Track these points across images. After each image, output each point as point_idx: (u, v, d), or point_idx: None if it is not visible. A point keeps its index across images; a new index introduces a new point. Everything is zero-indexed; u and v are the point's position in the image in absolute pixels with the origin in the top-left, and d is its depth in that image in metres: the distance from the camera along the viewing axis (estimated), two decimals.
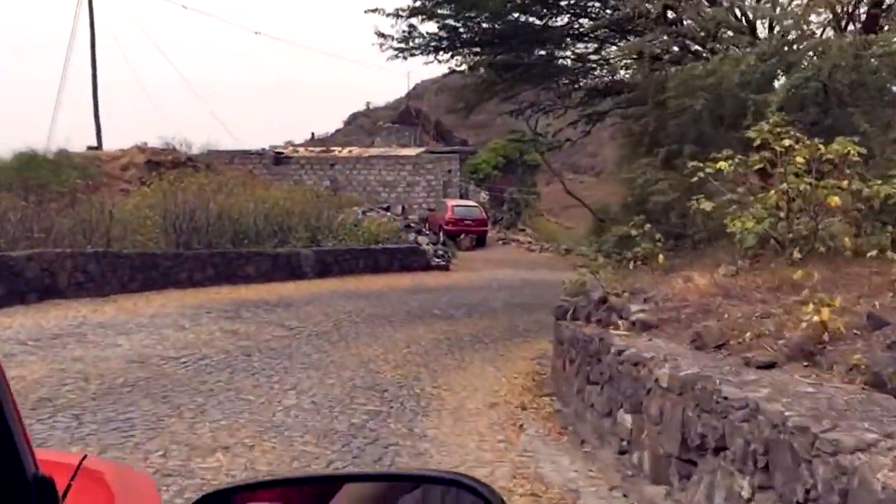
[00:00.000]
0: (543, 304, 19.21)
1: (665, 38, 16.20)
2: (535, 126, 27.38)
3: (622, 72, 19.91)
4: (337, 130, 67.07)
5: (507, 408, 8.04)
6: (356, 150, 41.52)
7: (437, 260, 24.24)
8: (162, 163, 30.54)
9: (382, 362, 10.40)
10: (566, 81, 19.36)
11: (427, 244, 24.87)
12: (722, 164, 7.19)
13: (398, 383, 9.05)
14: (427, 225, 32.21)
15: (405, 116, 56.29)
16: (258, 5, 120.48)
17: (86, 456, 1.61)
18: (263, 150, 40.64)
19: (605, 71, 19.30)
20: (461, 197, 37.68)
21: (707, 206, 7.43)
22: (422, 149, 41.66)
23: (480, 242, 32.43)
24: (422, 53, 18.14)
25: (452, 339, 13.12)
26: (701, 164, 7.70)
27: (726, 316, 5.54)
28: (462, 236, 31.18)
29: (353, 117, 69.61)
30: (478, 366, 10.82)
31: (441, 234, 30.41)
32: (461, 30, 17.38)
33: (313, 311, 14.84)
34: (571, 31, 18.15)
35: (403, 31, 17.36)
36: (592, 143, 61.59)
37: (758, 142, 7.03)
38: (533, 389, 9.13)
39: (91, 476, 1.51)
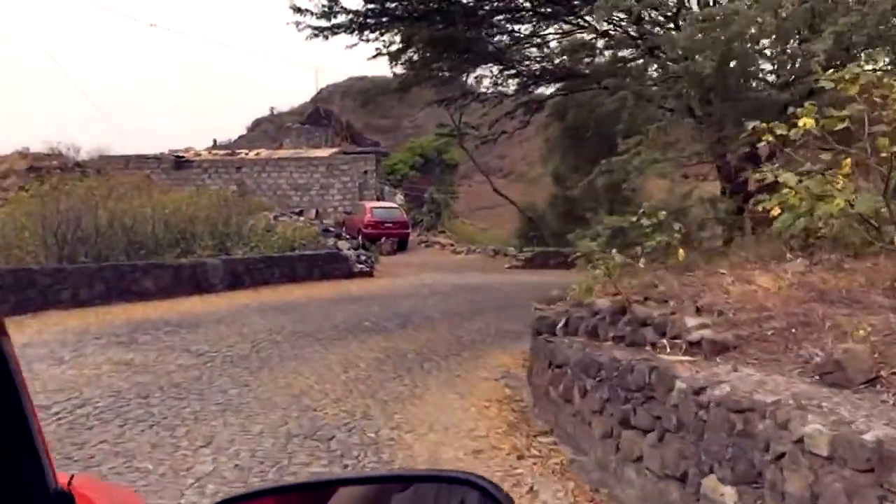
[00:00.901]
0: (482, 310, 17.58)
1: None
2: (460, 119, 25.65)
3: (560, 58, 18.31)
4: (240, 137, 63.91)
5: (497, 457, 6.15)
6: (264, 153, 38.96)
7: (360, 266, 22.19)
8: (46, 169, 27.41)
9: (319, 394, 8.36)
10: (502, 66, 17.62)
11: (348, 249, 22.80)
12: (806, 122, 5.39)
13: (345, 425, 7.04)
14: (344, 229, 30.05)
15: (314, 118, 53.85)
16: None
17: (74, 475, 1.48)
18: (162, 154, 37.64)
19: (542, 55, 17.65)
20: (378, 199, 35.66)
21: (790, 179, 5.55)
22: (335, 149, 39.40)
23: (402, 246, 30.50)
24: (345, 32, 16.00)
25: (394, 357, 11.16)
26: (765, 126, 5.84)
27: (849, 332, 3.82)
28: (383, 240, 29.17)
29: (257, 123, 66.63)
30: (435, 392, 8.90)
31: (360, 238, 28.37)
32: (390, 4, 15.31)
33: (226, 330, 12.63)
34: (508, 8, 16.38)
35: (323, 6, 15.20)
36: (501, 144, 61.06)
37: (854, 90, 5.28)
38: (520, 425, 7.26)
39: (80, 496, 1.44)
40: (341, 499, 1.48)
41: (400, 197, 38.69)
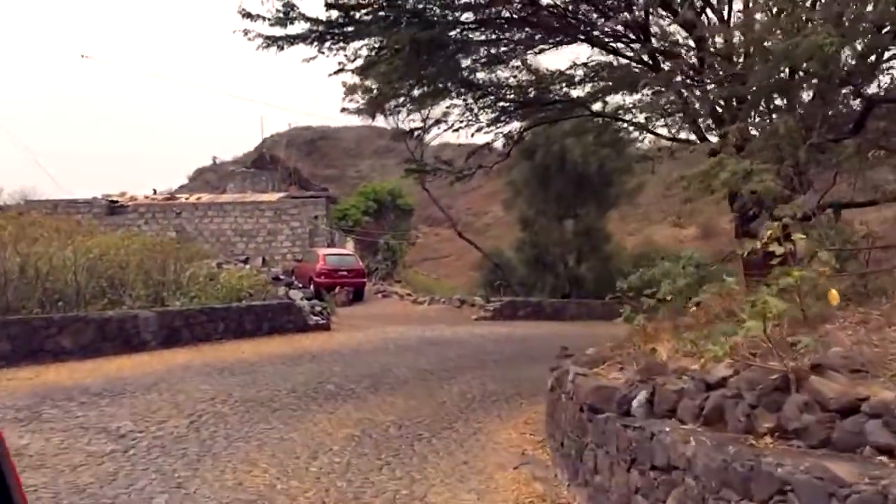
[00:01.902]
0: (459, 368, 15.28)
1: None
2: (422, 156, 23.68)
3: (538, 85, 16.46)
4: (181, 186, 61.09)
5: None
6: (206, 197, 36.36)
7: (316, 318, 19.75)
8: None
9: (284, 499, 6.00)
10: (478, 91, 15.69)
11: (301, 299, 20.36)
12: None
13: None
14: (294, 278, 27.56)
15: (260, 163, 51.54)
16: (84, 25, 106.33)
17: None
18: (94, 198, 34.80)
19: (520, 82, 15.79)
20: (329, 245, 33.32)
21: None
22: (282, 194, 37.01)
23: (358, 296, 28.10)
24: (303, 42, 13.81)
25: (373, 433, 8.86)
26: None
27: None
28: (337, 290, 26.74)
29: (199, 172, 63.94)
30: (442, 490, 6.62)
31: (312, 287, 25.92)
32: (358, 13, 13.20)
33: (157, 400, 10.13)
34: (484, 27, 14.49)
35: (278, 11, 12.98)
36: (446, 196, 59.73)
37: None
38: None
39: None
40: None
41: (351, 244, 36.45)
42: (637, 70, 14.52)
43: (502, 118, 16.65)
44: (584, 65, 15.46)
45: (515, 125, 17.26)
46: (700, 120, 13.18)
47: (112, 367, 12.79)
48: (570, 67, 15.66)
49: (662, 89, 12.15)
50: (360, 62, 14.43)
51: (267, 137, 57.63)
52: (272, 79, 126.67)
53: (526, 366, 15.70)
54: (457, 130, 17.14)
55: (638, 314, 6.87)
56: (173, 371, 12.64)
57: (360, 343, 17.92)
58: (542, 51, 15.06)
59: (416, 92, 16.21)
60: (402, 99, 16.95)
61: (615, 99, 16.71)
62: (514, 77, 16.22)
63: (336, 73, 14.78)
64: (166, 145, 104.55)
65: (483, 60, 14.94)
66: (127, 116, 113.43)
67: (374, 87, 19.96)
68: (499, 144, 18.17)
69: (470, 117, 16.75)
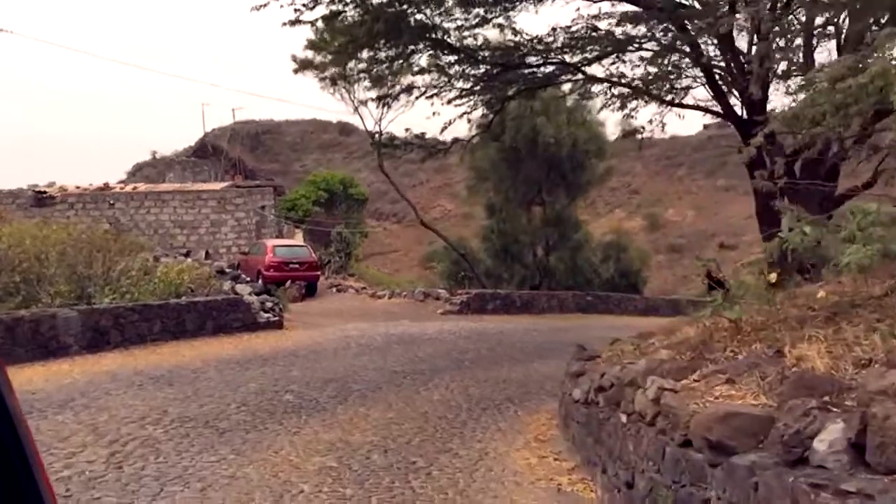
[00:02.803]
0: (434, 370, 13.22)
1: None
2: (380, 137, 21.55)
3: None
4: (119, 182, 57.76)
5: None
6: (143, 186, 33.70)
7: (267, 315, 17.58)
8: None
9: None
10: (457, 54, 13.68)
11: (250, 294, 18.15)
12: None
13: None
14: (240, 272, 25.21)
15: (202, 153, 48.81)
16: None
17: None
18: (20, 189, 31.87)
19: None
20: (279, 237, 31.01)
21: None
22: (227, 183, 34.51)
23: (311, 291, 25.89)
24: None
25: (355, 466, 6.88)
26: None
27: None
28: (288, 284, 24.52)
29: (138, 168, 60.70)
30: None
31: (260, 281, 23.67)
32: None
33: (71, 423, 7.98)
34: None
35: None
36: (393, 190, 57.69)
37: None
38: None
39: None
40: None
41: (299, 234, 34.15)
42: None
43: (481, 84, 14.71)
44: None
45: (494, 95, 15.33)
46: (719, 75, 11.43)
47: (21, 377, 10.50)
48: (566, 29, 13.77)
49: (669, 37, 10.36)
50: (321, 10, 12.28)
51: (209, 131, 54.78)
52: (214, 61, 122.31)
53: (506, 365, 13.94)
54: (430, 97, 15.13)
55: (730, 302, 5.01)
56: (97, 382, 10.44)
57: (318, 343, 15.84)
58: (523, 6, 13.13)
59: (382, 54, 14.21)
60: (366, 61, 14.88)
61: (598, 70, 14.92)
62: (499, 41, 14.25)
63: (292, 23, 12.61)
64: (100, 138, 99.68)
65: (461, 20, 13.02)
66: (54, 101, 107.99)
67: (329, 58, 17.87)
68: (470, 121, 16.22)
69: (444, 84, 14.77)
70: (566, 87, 17.68)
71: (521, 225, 27.54)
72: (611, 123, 39.37)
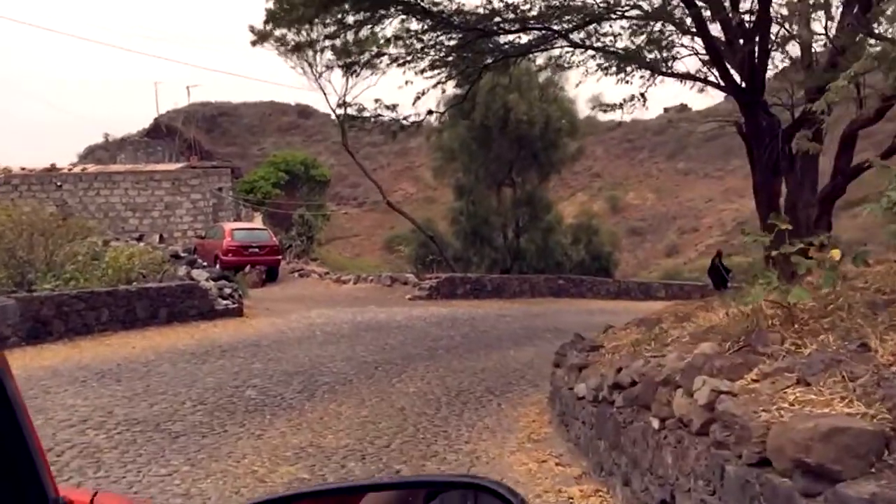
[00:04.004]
0: (407, 359, 12.30)
1: None
2: (345, 111, 20.40)
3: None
4: (71, 165, 55.57)
5: None
6: (93, 167, 32.15)
7: (225, 302, 16.48)
8: None
9: None
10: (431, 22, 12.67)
11: (207, 280, 17.04)
12: None
13: None
14: (197, 256, 24.00)
15: (156, 133, 47.10)
16: None
17: (97, 492, 1.55)
18: None
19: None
20: (236, 220, 29.78)
21: None
22: (182, 164, 33.09)
23: (272, 276, 24.79)
24: None
25: (330, 476, 6.00)
26: None
27: None
28: (248, 269, 23.40)
29: (90, 150, 58.58)
30: None
31: (217, 266, 22.52)
32: None
33: None
34: None
35: None
36: (354, 174, 56.66)
37: None
38: None
39: None
40: (369, 501, 1.47)
41: (258, 218, 32.93)
42: None
43: (454, 55, 13.73)
44: None
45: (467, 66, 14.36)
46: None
47: None
48: None
49: None
50: None
51: (164, 113, 52.92)
52: (167, 36, 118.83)
53: (482, 353, 13.14)
54: (402, 65, 14.06)
55: (789, 284, 4.18)
56: (35, 378, 9.36)
57: (281, 331, 14.86)
58: None
59: (350, 18, 13.16)
60: (332, 25, 13.80)
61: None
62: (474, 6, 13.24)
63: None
64: (48, 119, 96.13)
65: None
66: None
67: (289, 28, 16.77)
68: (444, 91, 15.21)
69: (416, 52, 13.75)
70: (541, 60, 16.83)
71: (492, 206, 26.69)
72: (582, 101, 38.71)
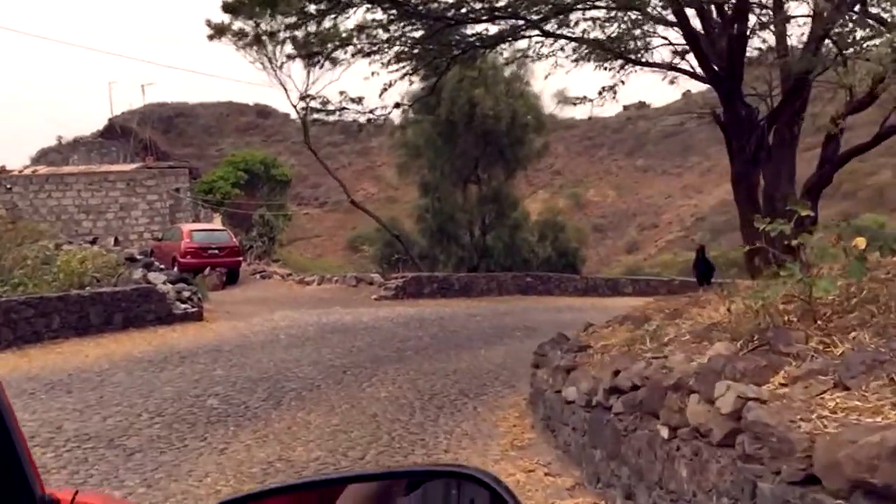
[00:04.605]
0: (376, 362, 11.88)
1: None
2: (309, 102, 19.67)
3: None
4: (22, 167, 53.80)
5: None
6: (44, 169, 31.07)
7: (184, 306, 15.82)
8: None
9: None
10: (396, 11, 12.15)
11: (165, 283, 16.35)
12: None
13: None
14: (154, 259, 23.22)
15: (110, 134, 45.88)
16: None
17: (77, 491, 1.51)
18: None
19: None
20: (194, 221, 28.96)
21: None
22: (137, 164, 32.14)
23: (233, 278, 24.08)
24: None
25: None
26: None
27: None
28: (207, 271, 22.69)
29: (42, 153, 56.93)
30: None
31: (175, 269, 21.80)
32: None
33: None
34: None
35: None
36: (314, 174, 56.00)
37: None
38: None
39: None
40: (349, 495, 1.47)
41: (220, 219, 32.10)
42: None
43: (420, 47, 13.25)
44: None
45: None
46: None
47: None
48: None
49: None
50: None
51: (118, 114, 51.63)
52: (120, 33, 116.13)
53: (452, 354, 12.70)
54: (367, 55, 13.50)
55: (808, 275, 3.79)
56: None
57: (243, 335, 14.27)
58: None
59: (312, 6, 12.59)
60: (294, 14, 13.22)
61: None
62: None
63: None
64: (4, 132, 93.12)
65: None
66: None
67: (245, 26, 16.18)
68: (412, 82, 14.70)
69: (382, 42, 13.23)
70: (507, 53, 16.45)
71: (458, 203, 26.24)
72: (547, 97, 38.34)
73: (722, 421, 3.38)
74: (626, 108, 68.20)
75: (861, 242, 3.71)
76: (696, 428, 3.64)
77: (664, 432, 4.00)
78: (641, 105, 69.46)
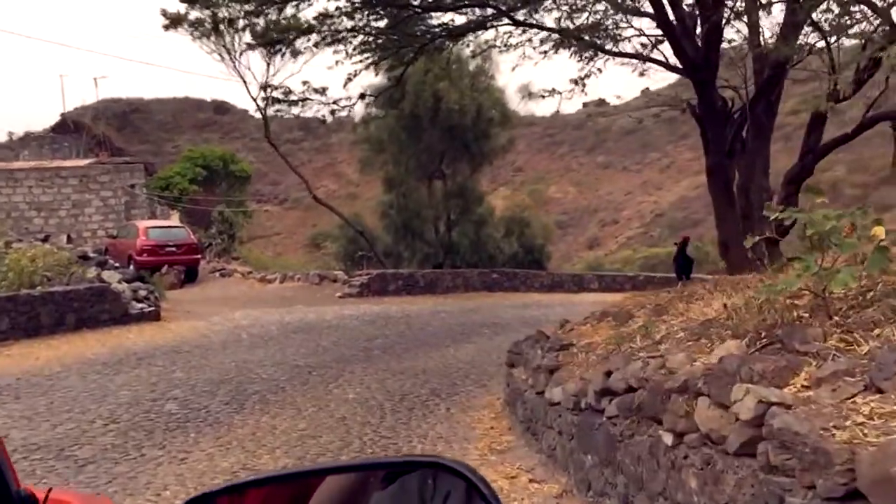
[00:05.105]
0: (342, 362, 11.45)
1: None
2: (267, 102, 19.20)
3: None
4: None
5: None
6: None
7: (141, 305, 15.23)
8: None
9: None
10: None
11: (120, 282, 15.74)
12: None
13: None
14: (109, 257, 22.47)
15: (62, 129, 44.60)
16: None
17: (51, 489, 1.57)
18: None
19: None
20: (151, 218, 28.18)
21: None
22: (91, 160, 31.20)
23: (191, 276, 23.43)
24: None
25: None
26: None
27: None
28: (165, 269, 22.03)
29: None
30: None
31: (131, 267, 21.15)
32: None
33: None
34: None
35: None
36: (273, 171, 55.26)
37: None
38: None
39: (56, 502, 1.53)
40: (326, 487, 1.47)
41: (178, 216, 31.31)
42: None
43: (384, 37, 12.83)
44: None
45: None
46: None
47: None
48: None
49: None
50: None
51: (71, 109, 50.26)
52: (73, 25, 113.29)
53: (420, 352, 12.35)
54: (331, 43, 13.02)
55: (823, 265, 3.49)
56: None
57: (203, 335, 13.75)
58: None
59: None
60: (251, 3, 12.71)
61: None
62: None
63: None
64: None
65: None
66: None
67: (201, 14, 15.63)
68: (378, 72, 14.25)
69: (346, 31, 12.79)
70: (473, 46, 16.10)
71: (423, 199, 25.83)
72: (511, 92, 38.07)
73: (739, 427, 3.08)
74: (585, 105, 68.56)
75: (881, 231, 3.44)
76: (706, 435, 3.34)
77: (668, 438, 3.69)
78: (601, 102, 69.82)
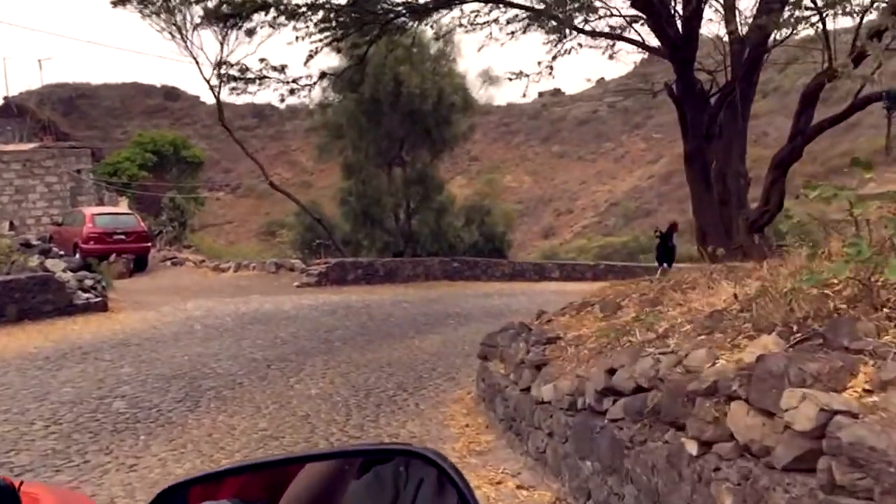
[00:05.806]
0: (303, 354, 10.85)
1: None
2: (226, 69, 18.22)
3: None
4: None
5: None
6: None
7: (87, 295, 14.42)
8: None
9: None
10: None
11: (64, 271, 14.89)
12: None
13: None
14: (53, 245, 21.49)
15: (5, 113, 42.89)
16: None
17: (22, 482, 1.58)
18: None
19: None
20: (98, 205, 27.12)
21: None
22: (35, 144, 29.93)
23: (141, 265, 22.52)
24: None
25: None
26: None
27: None
28: (112, 258, 21.11)
29: None
30: None
31: (77, 255, 20.23)
32: None
33: None
34: None
35: None
36: (226, 158, 54.16)
37: None
38: None
39: (29, 499, 1.51)
40: (304, 475, 1.49)
41: (126, 203, 30.25)
42: None
43: (345, 15, 12.21)
44: None
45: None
46: None
47: None
48: None
49: None
50: None
51: (14, 95, 48.53)
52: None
53: (384, 344, 11.86)
54: (290, 18, 12.30)
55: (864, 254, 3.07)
56: None
57: (153, 327, 13.03)
58: None
59: None
60: None
61: None
62: None
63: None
64: None
65: None
66: None
67: None
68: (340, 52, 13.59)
69: (306, 6, 12.13)
70: (436, 27, 15.56)
71: (382, 186, 25.21)
72: (471, 77, 37.53)
73: (790, 439, 2.64)
74: (541, 94, 68.67)
75: None
76: (745, 446, 2.90)
77: (692, 447, 3.25)
78: (556, 92, 70.03)
